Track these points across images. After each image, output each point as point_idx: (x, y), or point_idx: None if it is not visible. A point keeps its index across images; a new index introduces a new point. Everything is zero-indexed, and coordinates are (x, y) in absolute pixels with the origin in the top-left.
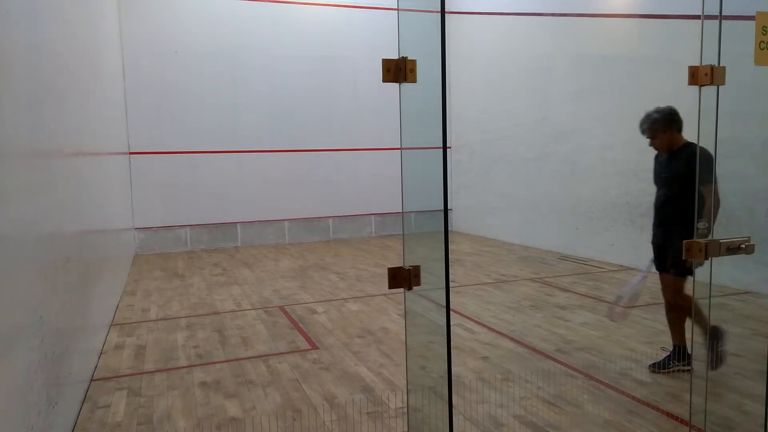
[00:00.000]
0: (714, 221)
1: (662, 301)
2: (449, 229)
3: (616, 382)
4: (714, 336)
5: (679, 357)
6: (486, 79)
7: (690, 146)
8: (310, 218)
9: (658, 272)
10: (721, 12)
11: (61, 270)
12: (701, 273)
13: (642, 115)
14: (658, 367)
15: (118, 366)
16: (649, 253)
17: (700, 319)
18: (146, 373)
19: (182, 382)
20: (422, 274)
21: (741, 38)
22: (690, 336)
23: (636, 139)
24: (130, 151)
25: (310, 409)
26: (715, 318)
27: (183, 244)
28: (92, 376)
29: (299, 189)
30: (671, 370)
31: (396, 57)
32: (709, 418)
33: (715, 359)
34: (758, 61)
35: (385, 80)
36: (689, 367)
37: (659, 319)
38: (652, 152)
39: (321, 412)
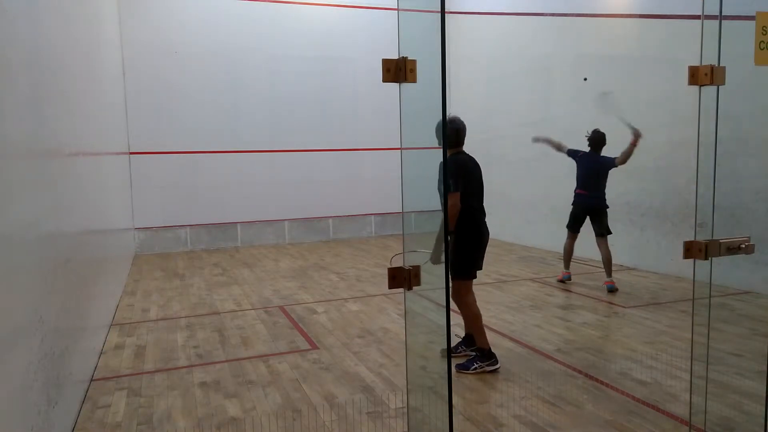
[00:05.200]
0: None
1: (662, 301)
2: (449, 229)
3: (616, 382)
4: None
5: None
6: (486, 79)
7: None
8: (310, 218)
9: None
10: (721, 12)
11: (61, 270)
12: (701, 273)
13: (641, 115)
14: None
15: (118, 366)
16: (647, 251)
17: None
18: (146, 373)
19: (182, 382)
20: (422, 274)
21: (741, 38)
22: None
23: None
24: (130, 151)
25: (310, 409)
26: (715, 317)
27: (183, 244)
28: (92, 376)
29: (299, 189)
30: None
31: (396, 57)
32: (709, 418)
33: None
34: (758, 61)
35: (385, 80)
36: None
37: (659, 320)
38: (651, 152)
39: (321, 412)
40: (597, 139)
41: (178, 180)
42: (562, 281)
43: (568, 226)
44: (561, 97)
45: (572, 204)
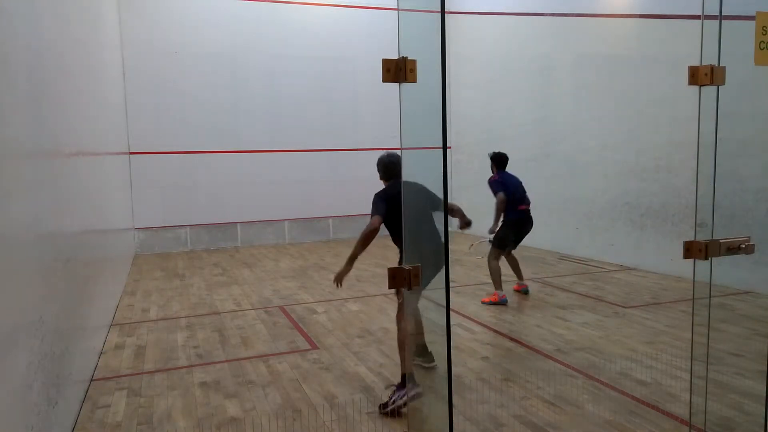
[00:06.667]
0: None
1: (662, 301)
2: (449, 229)
3: (616, 382)
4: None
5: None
6: (486, 79)
7: None
8: (310, 218)
9: None
10: (721, 12)
11: (61, 270)
12: (701, 273)
13: (641, 115)
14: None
15: (118, 366)
16: (647, 251)
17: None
18: (146, 373)
19: (182, 382)
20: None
21: (741, 38)
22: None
23: (636, 139)
24: (130, 151)
25: (310, 409)
26: (715, 317)
27: (183, 244)
28: (92, 376)
29: (299, 189)
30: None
31: (396, 57)
32: (709, 418)
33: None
34: (758, 61)
35: (385, 80)
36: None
37: (659, 319)
38: (651, 152)
39: (321, 412)
40: (504, 159)
41: (178, 180)
42: (501, 303)
43: (504, 245)
44: (561, 97)
45: (514, 221)
